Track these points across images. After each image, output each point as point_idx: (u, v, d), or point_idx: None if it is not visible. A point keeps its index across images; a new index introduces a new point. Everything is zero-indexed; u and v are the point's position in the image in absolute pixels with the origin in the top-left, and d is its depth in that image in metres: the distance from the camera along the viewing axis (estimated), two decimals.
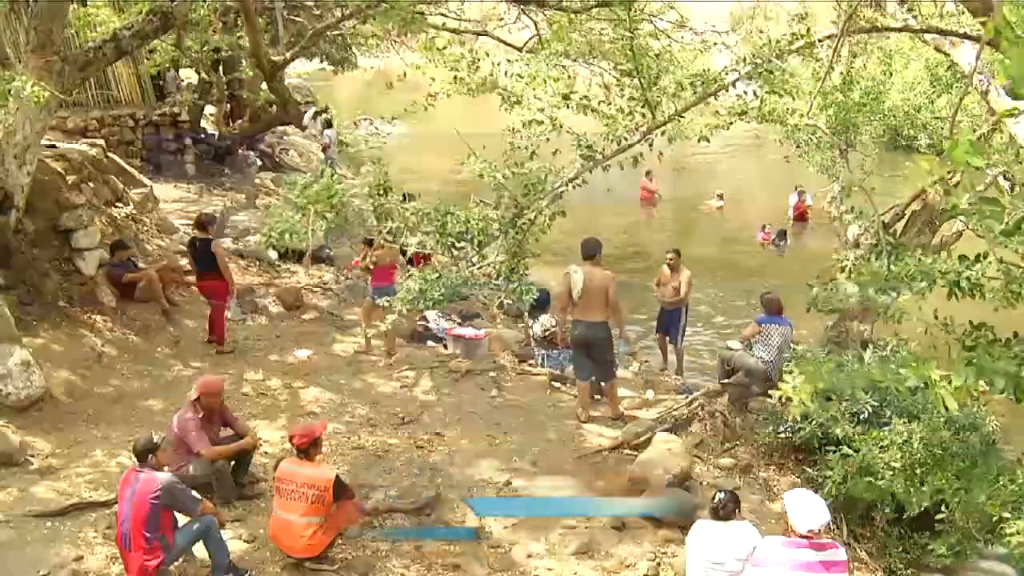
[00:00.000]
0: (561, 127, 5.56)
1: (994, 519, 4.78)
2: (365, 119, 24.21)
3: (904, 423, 5.70)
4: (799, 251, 15.40)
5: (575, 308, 7.01)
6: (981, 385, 2.35)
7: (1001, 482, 4.83)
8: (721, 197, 18.49)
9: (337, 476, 4.99)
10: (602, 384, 7.54)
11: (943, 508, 5.18)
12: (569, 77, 7.48)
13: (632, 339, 8.92)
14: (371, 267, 8.81)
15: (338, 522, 5.01)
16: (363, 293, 9.84)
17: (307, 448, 4.94)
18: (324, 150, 18.06)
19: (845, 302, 3.36)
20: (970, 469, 5.22)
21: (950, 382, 2.33)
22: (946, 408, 2.34)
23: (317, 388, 7.86)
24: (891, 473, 5.31)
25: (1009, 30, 1.68)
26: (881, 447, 5.52)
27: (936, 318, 3.48)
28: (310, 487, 4.83)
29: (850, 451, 5.66)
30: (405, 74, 10.43)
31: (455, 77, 5.98)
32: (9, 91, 5.92)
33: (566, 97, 5.49)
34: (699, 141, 5.82)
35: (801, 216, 17.01)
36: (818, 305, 3.48)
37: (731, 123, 5.97)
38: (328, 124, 18.82)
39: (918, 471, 5.31)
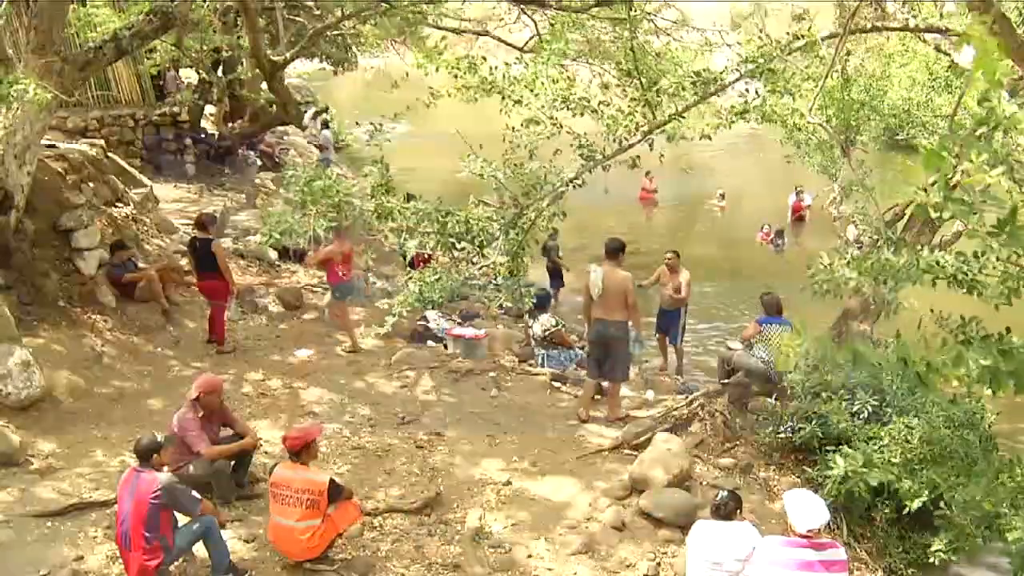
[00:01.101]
0: (561, 127, 5.55)
1: (993, 515, 4.77)
2: (372, 123, 24.15)
3: (904, 422, 5.69)
4: (799, 251, 15.39)
5: (595, 307, 7.03)
6: (959, 371, 2.35)
7: (1000, 479, 4.82)
8: (723, 197, 18.51)
9: (331, 480, 4.97)
10: (603, 384, 7.54)
11: (942, 505, 5.18)
12: (569, 79, 7.47)
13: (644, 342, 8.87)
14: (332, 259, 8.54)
15: (338, 522, 5.01)
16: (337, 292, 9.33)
17: (299, 451, 4.92)
18: (320, 149, 18.03)
19: (844, 286, 3.37)
20: (969, 466, 5.21)
21: (928, 365, 2.35)
22: (928, 388, 2.35)
23: (317, 388, 7.85)
24: (890, 467, 5.29)
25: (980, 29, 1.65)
26: (881, 444, 5.51)
27: (931, 312, 3.49)
28: (304, 492, 4.82)
29: (850, 450, 5.65)
30: (407, 75, 10.45)
31: (457, 82, 5.97)
32: (11, 93, 5.91)
33: (565, 100, 5.49)
34: (700, 139, 5.82)
35: (799, 216, 17.01)
36: (817, 287, 3.46)
37: (732, 122, 5.97)
38: (325, 125, 18.80)
39: (917, 467, 5.30)
